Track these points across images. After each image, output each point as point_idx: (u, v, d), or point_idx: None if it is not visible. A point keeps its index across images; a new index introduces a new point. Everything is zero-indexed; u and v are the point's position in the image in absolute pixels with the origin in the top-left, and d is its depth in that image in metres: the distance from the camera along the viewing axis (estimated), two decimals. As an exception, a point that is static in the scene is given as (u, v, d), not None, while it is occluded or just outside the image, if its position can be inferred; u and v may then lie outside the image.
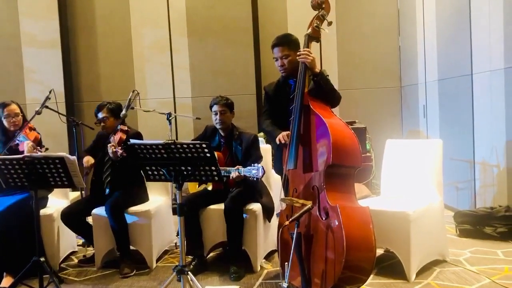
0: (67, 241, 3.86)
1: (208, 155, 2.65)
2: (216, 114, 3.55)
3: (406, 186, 3.54)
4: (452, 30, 4.93)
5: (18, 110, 3.60)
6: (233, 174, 3.22)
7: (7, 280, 3.23)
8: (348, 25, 6.18)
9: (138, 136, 3.68)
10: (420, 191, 3.44)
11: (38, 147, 3.40)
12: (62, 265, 3.73)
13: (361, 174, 5.26)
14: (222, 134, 3.63)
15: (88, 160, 3.65)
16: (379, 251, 3.53)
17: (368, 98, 6.25)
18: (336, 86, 3.10)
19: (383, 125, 6.03)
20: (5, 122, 3.56)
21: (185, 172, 2.72)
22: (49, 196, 3.75)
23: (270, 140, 3.57)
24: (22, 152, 3.36)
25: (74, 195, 4.31)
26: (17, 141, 3.49)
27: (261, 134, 5.04)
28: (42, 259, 3.00)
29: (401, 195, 3.50)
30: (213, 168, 2.71)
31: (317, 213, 2.72)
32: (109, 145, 3.51)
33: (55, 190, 3.73)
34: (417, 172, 3.50)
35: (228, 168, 3.28)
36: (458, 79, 4.79)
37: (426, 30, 5.54)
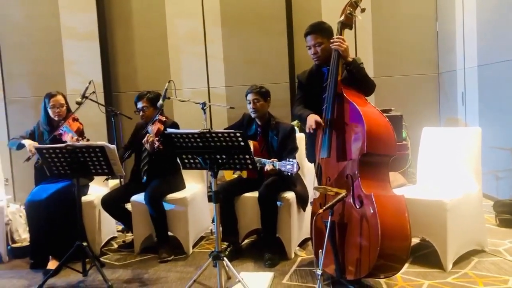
0: (108, 227, 4.01)
1: (242, 144, 2.68)
2: (249, 103, 3.58)
3: (443, 175, 3.48)
4: (493, 13, 4.75)
5: (63, 101, 3.74)
6: (268, 167, 3.23)
7: (53, 264, 3.39)
8: (383, 11, 6.05)
9: (175, 126, 3.76)
10: (457, 180, 3.37)
11: (80, 138, 3.52)
12: (102, 250, 3.88)
13: (397, 162, 5.18)
14: (259, 123, 3.66)
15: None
16: (415, 240, 3.49)
17: (404, 85, 6.11)
18: (371, 73, 3.07)
19: (420, 113, 5.90)
20: (50, 112, 3.71)
21: (220, 161, 2.77)
22: (90, 184, 3.89)
23: (301, 123, 3.56)
24: (65, 142, 3.50)
25: (114, 182, 4.45)
26: (60, 131, 3.64)
27: (295, 122, 5.03)
28: (85, 243, 3.13)
29: (438, 184, 3.44)
30: (247, 156, 2.75)
31: (351, 202, 2.71)
32: (147, 135, 3.59)
33: (96, 178, 3.86)
34: (454, 160, 3.43)
35: (263, 160, 3.31)
36: (499, 65, 4.62)
37: (465, 14, 5.35)
